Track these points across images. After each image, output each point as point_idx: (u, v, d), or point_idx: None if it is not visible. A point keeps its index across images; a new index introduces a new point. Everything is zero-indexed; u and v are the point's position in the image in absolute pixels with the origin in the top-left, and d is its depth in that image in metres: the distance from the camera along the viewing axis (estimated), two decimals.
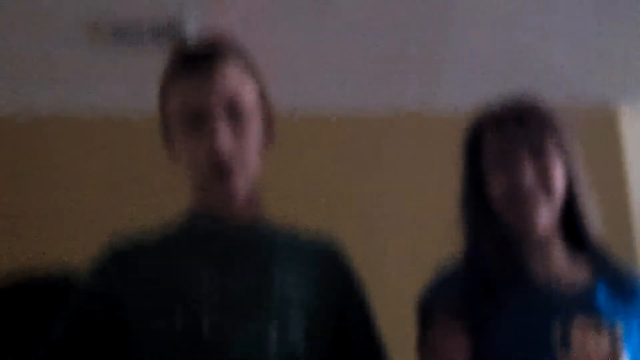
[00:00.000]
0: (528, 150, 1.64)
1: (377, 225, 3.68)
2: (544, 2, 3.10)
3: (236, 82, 1.59)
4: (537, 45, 3.37)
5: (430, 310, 1.69)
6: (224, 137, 1.55)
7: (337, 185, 3.73)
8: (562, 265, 1.70)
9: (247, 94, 1.60)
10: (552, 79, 3.55)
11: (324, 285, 1.61)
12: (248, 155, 1.59)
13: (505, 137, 1.65)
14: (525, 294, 1.62)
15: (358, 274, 1.67)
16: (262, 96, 1.66)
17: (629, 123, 4.04)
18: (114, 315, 1.54)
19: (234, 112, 1.57)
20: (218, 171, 1.55)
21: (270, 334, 1.50)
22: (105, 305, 1.55)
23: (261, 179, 1.66)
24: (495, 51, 3.39)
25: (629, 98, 3.93)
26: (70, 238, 3.52)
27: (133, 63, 3.34)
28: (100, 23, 3.07)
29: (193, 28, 3.16)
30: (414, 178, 3.77)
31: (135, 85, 3.38)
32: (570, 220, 1.71)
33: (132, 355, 1.52)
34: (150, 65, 3.15)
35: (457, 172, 1.73)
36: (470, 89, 3.56)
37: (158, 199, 3.05)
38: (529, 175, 1.63)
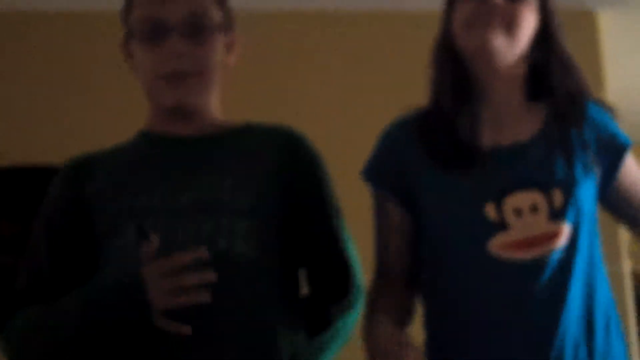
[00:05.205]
0: None
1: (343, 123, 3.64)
2: None
3: (200, 0, 1.62)
4: None
5: (369, 184, 1.69)
6: (181, 47, 1.58)
7: (303, 82, 3.70)
8: (513, 119, 1.65)
9: (211, 12, 1.63)
10: None
11: (282, 169, 1.62)
12: (207, 70, 1.61)
13: None
14: (463, 165, 1.60)
15: (319, 158, 1.67)
16: (228, 17, 1.68)
17: (608, 27, 3.99)
18: (82, 219, 1.59)
19: (196, 28, 1.60)
20: (173, 78, 1.58)
21: (220, 238, 1.52)
22: (74, 209, 1.60)
23: (225, 97, 1.67)
24: None
25: (607, 1, 3.87)
26: None
27: None
28: None
29: None
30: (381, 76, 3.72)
31: None
32: (540, 69, 1.66)
33: (99, 267, 1.56)
34: None
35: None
36: None
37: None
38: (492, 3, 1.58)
